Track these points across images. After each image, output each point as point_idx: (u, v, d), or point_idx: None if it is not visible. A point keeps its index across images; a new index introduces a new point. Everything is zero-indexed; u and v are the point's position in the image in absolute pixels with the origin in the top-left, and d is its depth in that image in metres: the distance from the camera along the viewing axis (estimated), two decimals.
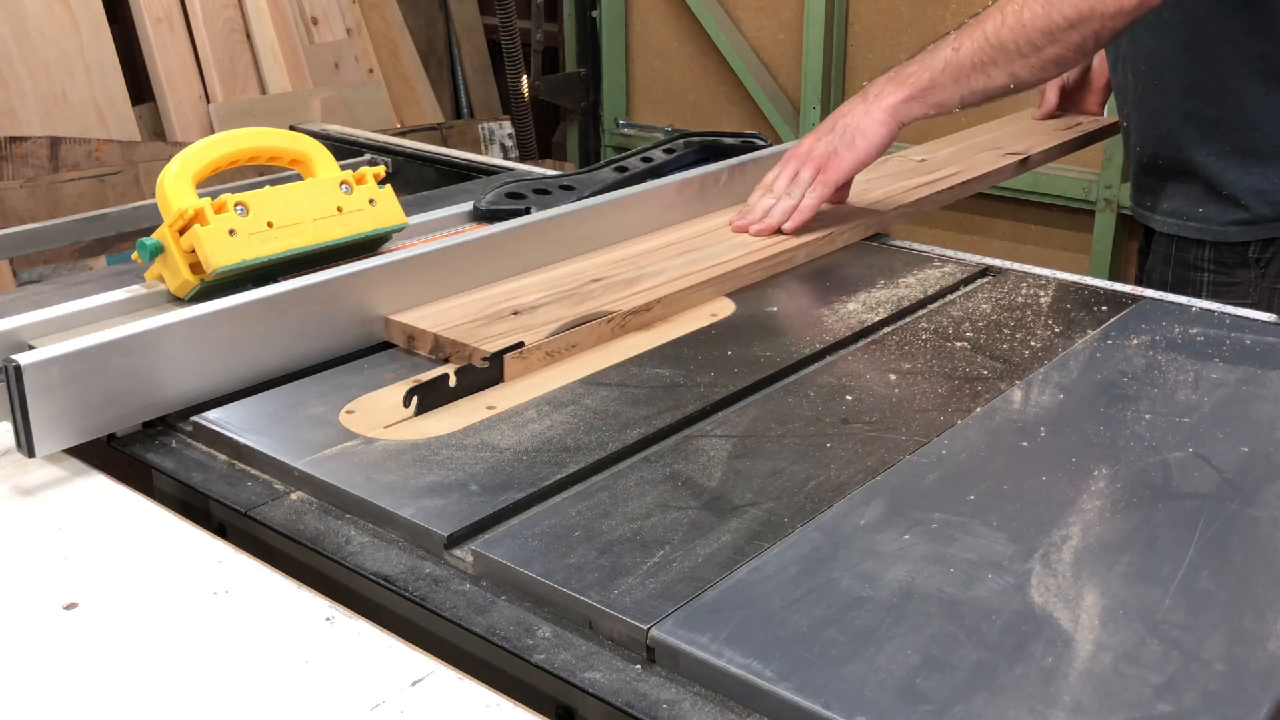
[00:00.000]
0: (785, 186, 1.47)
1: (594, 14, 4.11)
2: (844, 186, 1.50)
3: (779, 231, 1.47)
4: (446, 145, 2.93)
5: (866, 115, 1.43)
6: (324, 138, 1.90)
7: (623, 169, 1.62)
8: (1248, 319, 1.29)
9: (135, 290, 1.21)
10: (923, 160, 1.76)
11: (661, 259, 1.39)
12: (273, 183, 1.28)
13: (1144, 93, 1.64)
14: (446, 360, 1.17)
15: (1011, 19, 1.37)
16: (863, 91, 1.47)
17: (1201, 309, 1.33)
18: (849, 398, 1.11)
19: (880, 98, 1.43)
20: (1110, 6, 1.34)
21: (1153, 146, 1.66)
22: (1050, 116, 1.98)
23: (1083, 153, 3.26)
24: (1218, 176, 1.58)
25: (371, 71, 3.71)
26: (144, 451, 1.03)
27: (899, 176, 1.70)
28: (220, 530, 0.95)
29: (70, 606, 0.82)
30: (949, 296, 1.38)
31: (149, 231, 1.25)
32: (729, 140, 1.75)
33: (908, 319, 1.31)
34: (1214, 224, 1.60)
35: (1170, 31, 1.50)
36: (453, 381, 1.08)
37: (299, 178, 1.34)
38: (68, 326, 1.12)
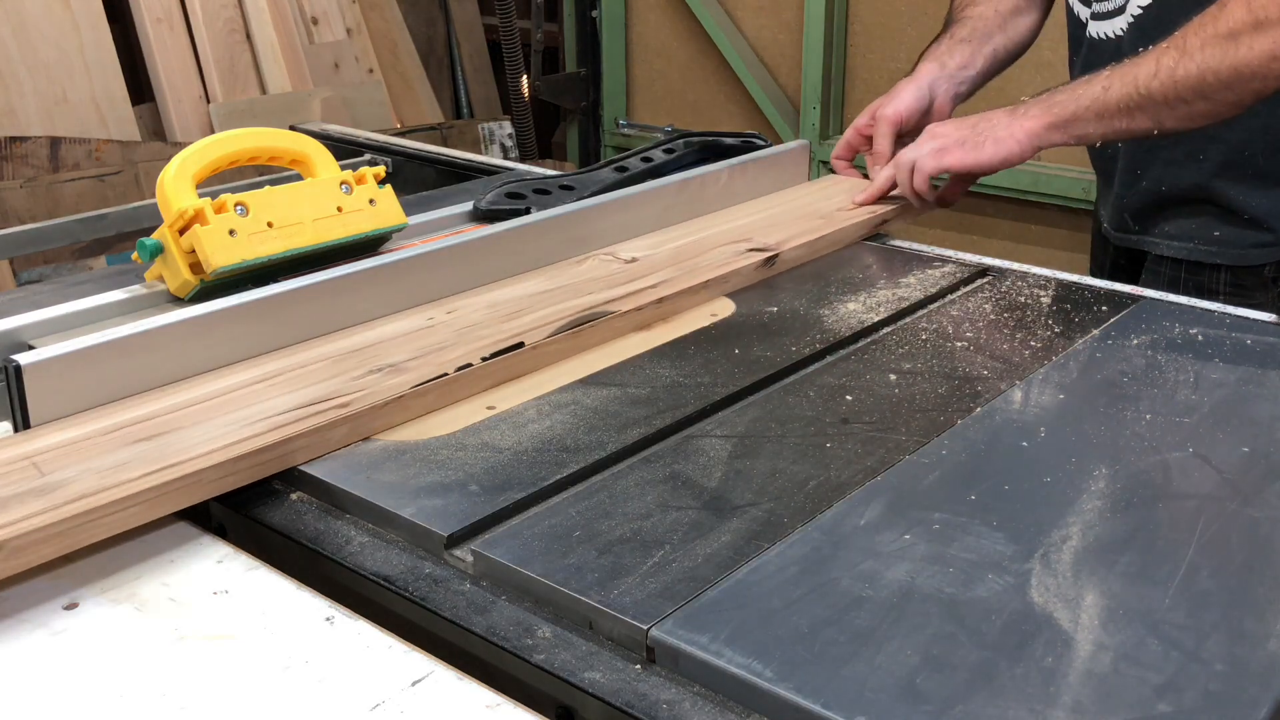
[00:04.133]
0: (913, 150, 1.51)
1: (594, 14, 4.11)
2: (964, 180, 1.55)
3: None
4: (446, 145, 2.93)
5: (1007, 129, 1.44)
6: (324, 138, 1.90)
7: (623, 169, 1.62)
8: (1248, 319, 1.29)
9: (135, 290, 1.21)
10: (633, 260, 1.39)
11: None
12: (273, 183, 1.28)
13: None
14: None
15: (1164, 73, 1.35)
16: (1013, 106, 1.47)
17: (1202, 309, 1.33)
18: (849, 398, 1.11)
19: (1025, 118, 1.44)
20: (1277, 69, 1.29)
21: (1160, 170, 1.61)
22: (879, 200, 1.61)
23: (1082, 152, 3.28)
24: (1239, 200, 1.54)
25: (371, 71, 3.71)
26: None
27: (578, 291, 1.30)
28: (220, 530, 0.95)
29: (70, 607, 0.82)
30: (949, 296, 1.38)
31: (149, 231, 1.25)
32: (729, 140, 1.74)
33: (908, 319, 1.31)
34: (1233, 247, 1.57)
35: None
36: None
37: (299, 178, 1.33)
38: (68, 326, 1.12)
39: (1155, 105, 1.36)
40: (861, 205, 1.58)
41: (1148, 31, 1.50)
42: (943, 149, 1.48)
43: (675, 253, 1.42)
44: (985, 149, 1.45)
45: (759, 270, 1.40)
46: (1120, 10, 1.57)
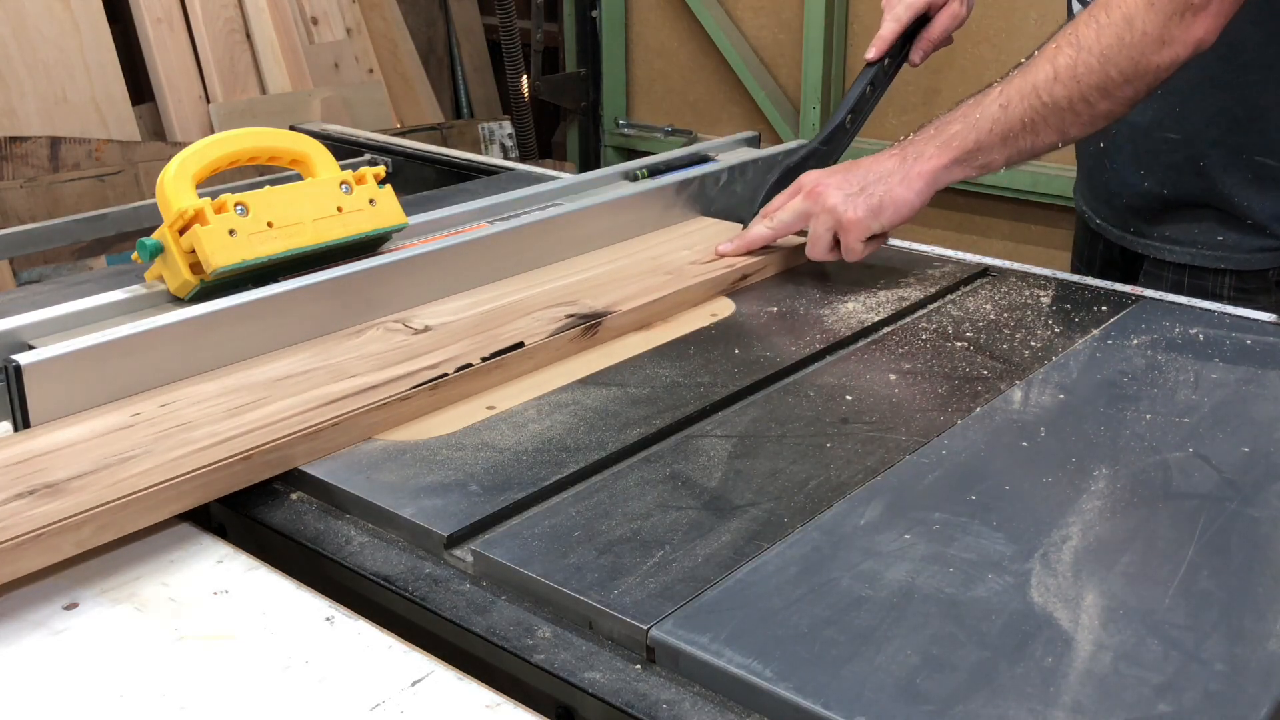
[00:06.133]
0: (794, 218, 1.38)
1: (594, 14, 4.11)
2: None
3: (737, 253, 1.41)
4: (446, 145, 2.93)
5: (903, 183, 1.32)
6: (324, 138, 1.90)
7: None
8: (1248, 319, 1.29)
9: (135, 290, 1.21)
10: (425, 330, 1.19)
11: None
12: (273, 183, 1.28)
13: (1153, 122, 1.57)
14: None
15: (1065, 75, 1.28)
16: (900, 147, 1.35)
17: (1202, 309, 1.33)
18: (849, 398, 1.11)
19: (920, 161, 1.32)
20: (1166, 58, 1.26)
21: (1163, 174, 1.59)
22: (754, 251, 1.44)
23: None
24: (1241, 204, 1.53)
25: (371, 71, 3.71)
26: None
27: (335, 374, 1.09)
28: (220, 530, 0.95)
29: (70, 607, 0.82)
30: (949, 296, 1.38)
31: (149, 231, 1.25)
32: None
33: (908, 319, 1.31)
34: (1238, 251, 1.55)
35: (1199, 59, 1.45)
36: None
37: (299, 178, 1.33)
38: (68, 326, 1.12)
39: (1060, 113, 1.29)
40: (725, 255, 1.41)
41: None
42: (843, 228, 1.33)
43: (480, 320, 1.22)
44: (884, 215, 1.32)
45: (576, 341, 1.20)
46: None
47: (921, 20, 1.57)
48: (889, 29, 1.55)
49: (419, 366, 1.10)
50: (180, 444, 0.95)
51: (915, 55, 1.59)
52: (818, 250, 1.37)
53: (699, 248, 1.44)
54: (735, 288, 1.38)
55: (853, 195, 1.34)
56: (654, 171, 1.60)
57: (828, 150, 1.53)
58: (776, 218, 1.40)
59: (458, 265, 1.30)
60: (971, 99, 1.34)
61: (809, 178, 1.39)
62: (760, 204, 1.47)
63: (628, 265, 1.39)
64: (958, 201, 3.37)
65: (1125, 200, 1.64)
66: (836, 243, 1.36)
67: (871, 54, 1.56)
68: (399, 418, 1.05)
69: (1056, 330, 1.27)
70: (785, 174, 1.47)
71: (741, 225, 1.48)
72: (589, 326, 1.21)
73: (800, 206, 1.38)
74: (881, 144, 3.42)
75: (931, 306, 1.35)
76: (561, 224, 1.41)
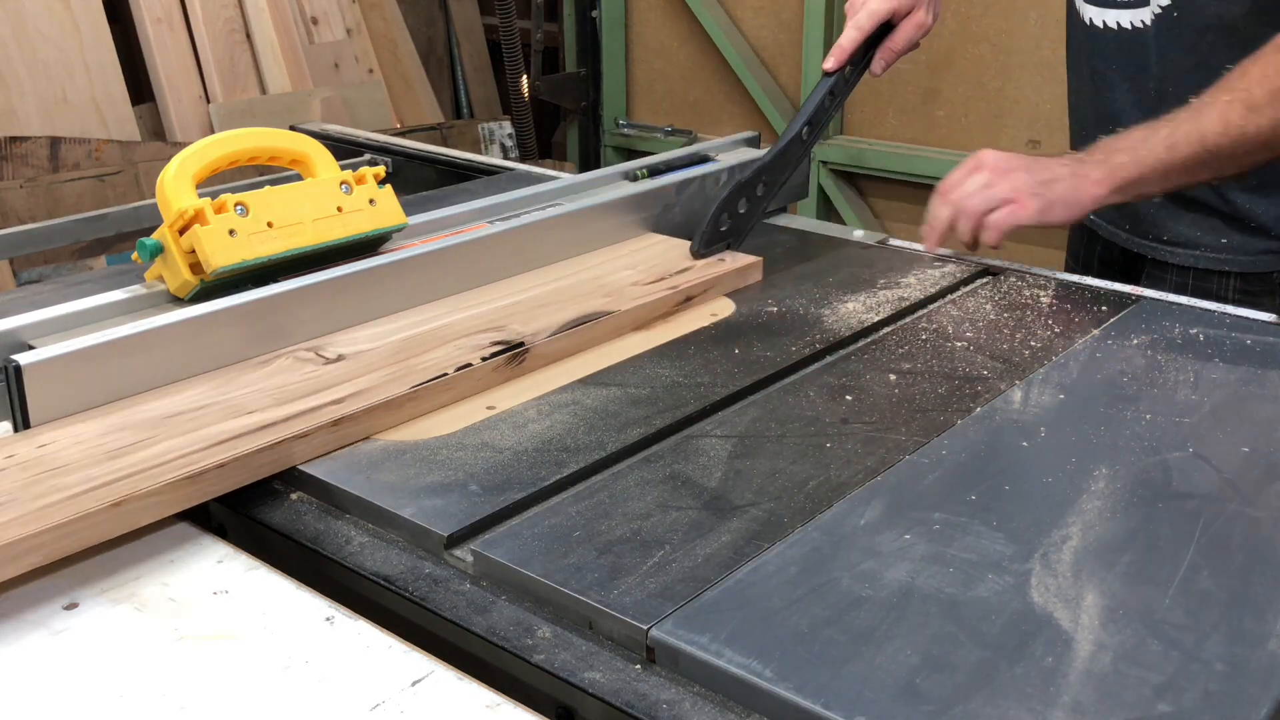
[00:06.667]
0: (978, 190, 1.40)
1: (594, 14, 4.11)
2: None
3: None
4: (446, 145, 2.93)
5: (1073, 193, 1.38)
6: (324, 138, 1.90)
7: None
8: (1248, 319, 1.29)
9: (135, 290, 1.21)
10: (338, 359, 1.12)
11: None
12: (273, 183, 1.28)
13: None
14: None
15: (1234, 130, 1.34)
16: (1077, 160, 1.40)
17: (1202, 309, 1.33)
18: (849, 398, 1.11)
19: (1086, 182, 1.38)
20: None
21: None
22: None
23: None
24: (1244, 207, 1.54)
25: (371, 71, 3.71)
26: None
27: (230, 410, 1.01)
28: (220, 530, 0.95)
29: (70, 607, 0.82)
30: (949, 296, 1.38)
31: (149, 231, 1.25)
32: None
33: (908, 319, 1.31)
34: (1242, 254, 1.56)
35: (1214, 57, 1.45)
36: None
37: (299, 178, 1.33)
38: (68, 326, 1.12)
39: (1220, 161, 1.35)
40: (931, 251, 1.47)
41: (1177, 22, 1.48)
42: (1016, 203, 1.38)
43: (399, 347, 1.15)
44: (1053, 214, 1.39)
45: (500, 371, 1.13)
46: (1144, 1, 1.54)
47: (885, 28, 1.55)
48: (849, 38, 1.53)
49: (323, 401, 1.02)
50: (50, 490, 0.88)
51: (877, 65, 1.56)
52: (975, 209, 1.40)
53: (643, 267, 1.37)
54: (677, 310, 1.31)
55: (1035, 186, 1.38)
56: (654, 171, 1.60)
57: (783, 162, 1.50)
58: (957, 196, 1.41)
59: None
60: (1141, 130, 1.39)
61: (990, 157, 1.41)
62: (711, 219, 1.41)
63: (566, 286, 1.31)
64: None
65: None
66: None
67: (830, 64, 1.53)
68: (299, 455, 0.98)
69: (1056, 330, 1.27)
70: (736, 189, 1.45)
71: (690, 241, 1.43)
72: (514, 355, 1.14)
73: (983, 179, 1.40)
74: (882, 144, 3.42)
75: (931, 306, 1.35)
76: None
